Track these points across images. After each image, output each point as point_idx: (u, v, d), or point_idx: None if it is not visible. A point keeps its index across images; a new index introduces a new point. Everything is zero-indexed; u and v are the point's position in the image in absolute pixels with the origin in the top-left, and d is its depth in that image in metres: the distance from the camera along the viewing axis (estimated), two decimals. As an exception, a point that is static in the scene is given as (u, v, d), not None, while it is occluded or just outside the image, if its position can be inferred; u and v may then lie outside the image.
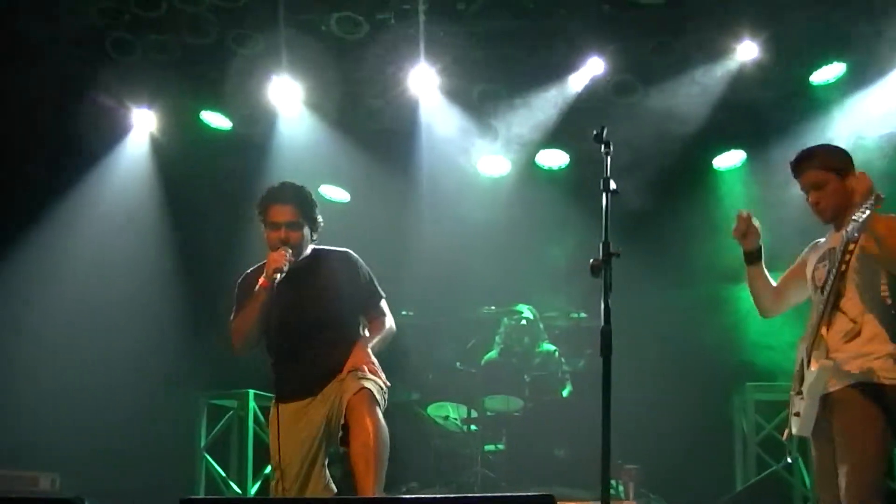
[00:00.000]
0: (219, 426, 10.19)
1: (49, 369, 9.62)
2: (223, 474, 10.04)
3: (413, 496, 7.36)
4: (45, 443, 9.27)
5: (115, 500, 8.61)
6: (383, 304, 6.23)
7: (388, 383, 5.87)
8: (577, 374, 9.82)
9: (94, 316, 9.98)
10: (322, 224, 6.20)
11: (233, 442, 10.18)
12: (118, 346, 10.08)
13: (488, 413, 9.68)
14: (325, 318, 5.98)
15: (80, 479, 9.11)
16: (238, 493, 9.74)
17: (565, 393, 9.78)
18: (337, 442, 5.68)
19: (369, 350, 5.85)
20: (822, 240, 5.72)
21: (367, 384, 5.60)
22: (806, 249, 5.83)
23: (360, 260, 6.21)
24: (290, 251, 5.88)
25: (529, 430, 9.24)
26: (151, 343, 10.42)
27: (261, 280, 5.81)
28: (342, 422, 5.56)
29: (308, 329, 5.94)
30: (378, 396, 5.63)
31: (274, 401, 5.94)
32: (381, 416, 5.57)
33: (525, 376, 9.69)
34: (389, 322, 6.20)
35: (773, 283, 5.84)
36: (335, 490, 5.79)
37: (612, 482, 8.57)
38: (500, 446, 9.51)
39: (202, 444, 10.10)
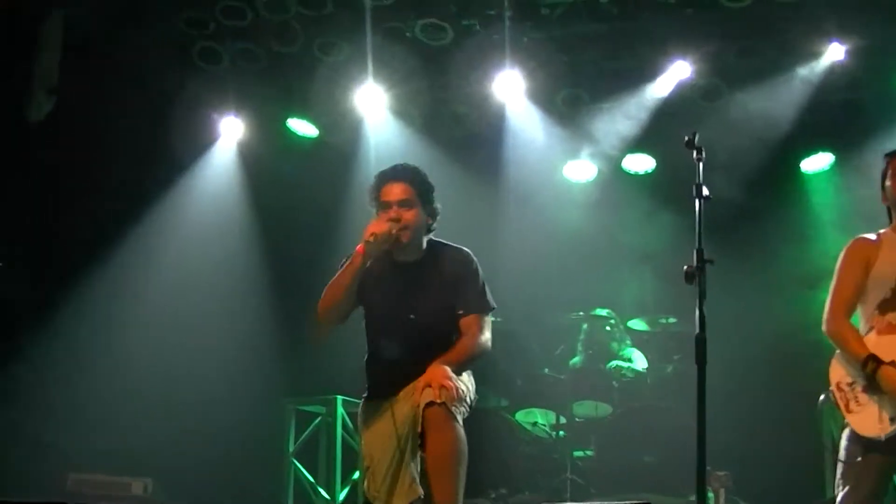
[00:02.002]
0: (307, 432, 10.24)
1: (141, 376, 9.76)
2: (311, 480, 10.08)
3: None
4: (139, 449, 9.41)
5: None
6: (486, 318, 5.78)
7: (469, 387, 5.59)
8: (665, 379, 9.74)
9: (185, 323, 10.11)
10: (440, 212, 5.89)
11: (321, 448, 10.20)
12: (208, 353, 10.19)
13: (577, 419, 9.65)
14: (430, 319, 5.71)
15: (171, 485, 9.23)
16: (327, 498, 9.77)
17: (654, 392, 9.69)
18: (418, 447, 5.48)
19: (447, 370, 5.40)
20: (873, 236, 5.64)
21: (444, 395, 5.21)
22: (855, 248, 5.68)
23: (478, 265, 5.85)
24: (397, 225, 5.58)
25: (618, 436, 9.15)
26: (241, 350, 10.52)
27: (357, 247, 5.56)
28: (419, 429, 5.33)
29: (409, 326, 5.68)
30: (455, 406, 5.29)
31: (363, 398, 5.88)
32: (459, 428, 5.30)
33: (613, 382, 9.64)
34: (485, 337, 5.72)
35: None
36: (421, 492, 5.54)
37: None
38: (590, 452, 9.47)
39: (290, 449, 10.15)
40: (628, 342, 10.20)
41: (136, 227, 10.18)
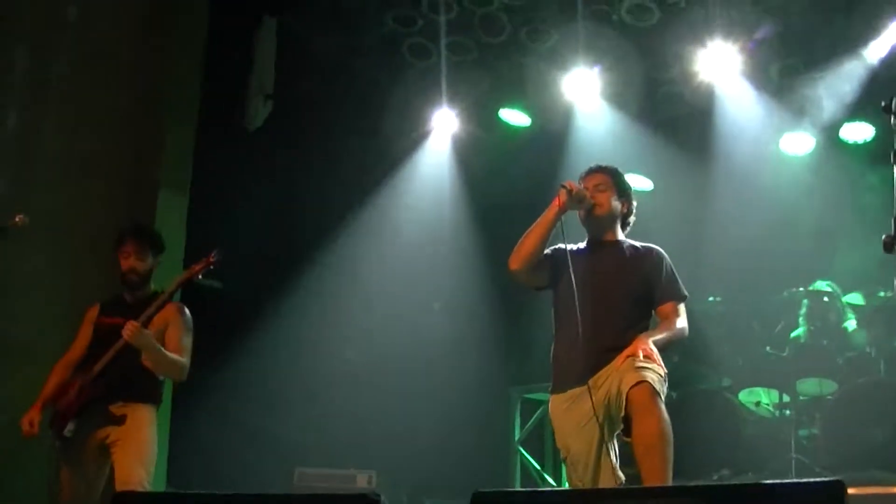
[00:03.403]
0: (532, 419, 10.33)
1: (365, 368, 10.01)
2: (538, 467, 10.17)
3: (704, 483, 7.13)
4: (364, 441, 9.67)
5: (432, 496, 8.90)
6: (681, 306, 5.94)
7: (667, 370, 5.59)
8: (890, 353, 9.40)
9: (407, 315, 10.35)
10: (635, 211, 6.18)
11: (547, 435, 10.28)
12: (432, 344, 10.38)
13: (801, 397, 9.40)
14: (619, 303, 5.83)
15: (396, 476, 9.43)
16: (553, 485, 9.84)
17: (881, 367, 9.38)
18: (620, 432, 5.50)
19: (650, 342, 5.56)
20: None
21: (648, 374, 5.32)
22: None
23: (668, 258, 6.04)
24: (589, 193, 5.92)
25: (845, 413, 8.85)
26: (464, 340, 10.68)
27: (554, 199, 5.78)
28: (622, 413, 5.35)
29: (599, 310, 5.74)
30: (658, 387, 5.35)
31: (550, 393, 5.92)
32: (664, 409, 5.31)
33: (838, 358, 9.37)
34: (682, 324, 5.87)
35: None
36: (622, 478, 5.57)
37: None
38: (815, 431, 9.19)
39: (517, 437, 10.25)
40: (851, 315, 9.90)
41: (355, 223, 10.46)
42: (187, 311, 6.81)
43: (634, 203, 6.20)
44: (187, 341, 6.72)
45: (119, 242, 6.79)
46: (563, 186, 5.79)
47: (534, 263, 5.89)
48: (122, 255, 6.77)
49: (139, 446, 6.48)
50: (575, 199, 5.81)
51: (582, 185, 5.98)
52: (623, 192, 6.12)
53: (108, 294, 6.96)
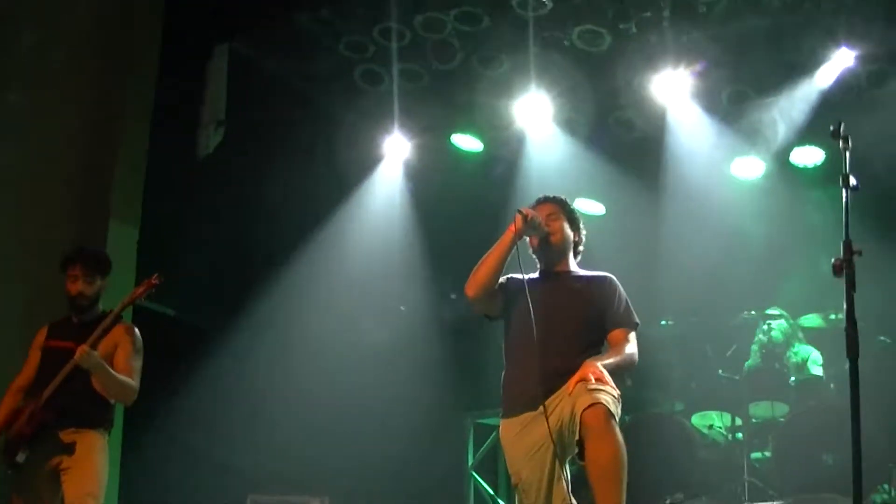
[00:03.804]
0: (486, 444, 10.32)
1: (317, 395, 9.95)
2: (491, 492, 10.15)
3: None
4: (317, 467, 9.61)
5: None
6: (632, 334, 5.92)
7: (619, 392, 5.55)
8: (843, 376, 9.46)
9: (359, 341, 10.30)
10: (584, 240, 6.21)
11: (500, 460, 10.27)
12: (384, 370, 10.35)
13: (753, 420, 9.48)
14: (572, 329, 5.81)
15: (349, 501, 9.39)
16: (506, 510, 9.83)
17: (832, 390, 9.45)
18: (574, 456, 5.41)
19: (600, 365, 5.50)
20: None
21: (602, 396, 5.27)
22: None
23: (621, 286, 6.04)
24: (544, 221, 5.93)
25: (797, 436, 8.93)
26: (417, 366, 10.66)
27: (510, 225, 5.78)
28: (576, 437, 5.28)
29: (552, 337, 5.71)
30: (613, 409, 5.31)
31: (501, 419, 5.89)
32: (618, 431, 5.26)
33: (790, 380, 9.45)
34: (632, 350, 5.84)
35: None
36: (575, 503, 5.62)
37: (885, 486, 8.29)
38: (767, 454, 9.27)
39: (470, 463, 10.23)
40: (802, 339, 9.98)
41: (306, 249, 10.42)
42: (137, 331, 6.76)
43: (584, 232, 6.23)
44: (137, 363, 6.67)
45: (66, 266, 6.74)
46: (520, 212, 5.79)
47: (490, 289, 5.88)
48: (70, 278, 6.71)
49: (89, 474, 6.43)
50: (530, 225, 5.80)
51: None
52: (573, 220, 6.17)
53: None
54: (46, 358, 6.65)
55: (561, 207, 6.12)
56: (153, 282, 6.45)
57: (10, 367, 6.96)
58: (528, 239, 6.01)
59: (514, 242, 5.77)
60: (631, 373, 6.00)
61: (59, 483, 6.42)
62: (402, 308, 11.41)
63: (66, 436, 6.43)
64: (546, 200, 6.15)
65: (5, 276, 8.27)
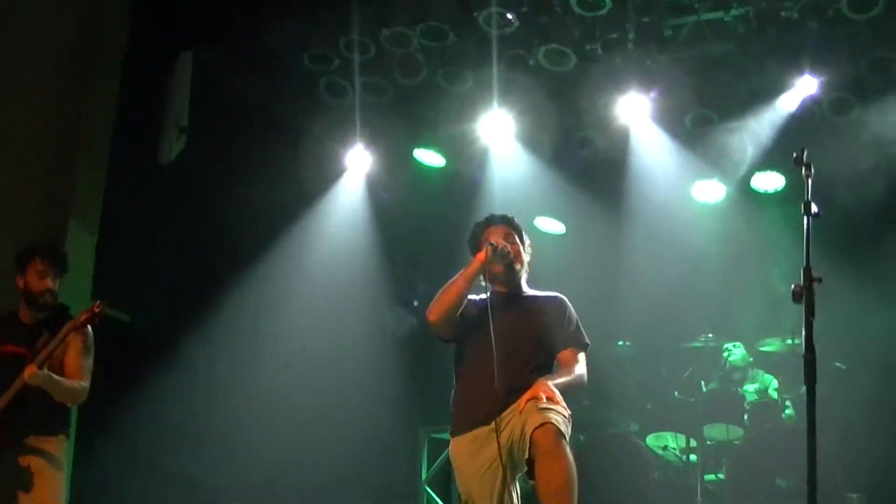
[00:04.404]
0: (440, 459, 10.31)
1: (273, 406, 9.90)
2: (444, 507, 10.15)
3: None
4: (271, 478, 9.57)
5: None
6: (582, 354, 5.96)
7: (570, 411, 5.55)
8: (800, 401, 9.54)
9: (317, 353, 10.26)
10: (531, 263, 6.19)
11: (454, 475, 10.22)
12: (340, 382, 10.30)
13: (708, 442, 9.53)
14: (524, 348, 5.81)
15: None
16: (460, 525, 9.81)
17: (787, 414, 9.53)
18: (524, 474, 5.49)
19: (551, 384, 5.53)
20: None
21: (552, 416, 5.29)
22: None
23: (571, 306, 6.06)
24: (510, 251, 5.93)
25: (751, 459, 8.98)
26: (373, 379, 10.61)
27: (478, 254, 5.78)
28: (526, 456, 5.34)
29: (504, 356, 5.66)
30: (563, 428, 5.32)
31: (451, 436, 5.89)
32: (568, 451, 5.27)
33: (745, 404, 9.49)
34: (581, 370, 5.87)
35: None
36: None
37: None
38: (721, 476, 9.32)
39: (424, 477, 10.22)
40: (760, 367, 10.05)
41: (266, 260, 10.37)
42: (90, 329, 6.54)
43: (531, 255, 6.22)
44: (87, 361, 6.56)
45: (29, 260, 6.58)
46: (492, 244, 5.77)
47: (453, 316, 5.86)
48: (37, 273, 6.55)
49: (49, 482, 6.35)
50: (499, 256, 5.82)
51: (490, 236, 5.97)
52: (523, 241, 6.18)
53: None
54: None
55: (514, 229, 6.14)
56: (95, 310, 6.28)
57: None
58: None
59: (479, 272, 5.76)
60: (582, 392, 6.04)
61: (18, 493, 6.32)
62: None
63: (28, 443, 6.34)
64: (502, 221, 6.14)
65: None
